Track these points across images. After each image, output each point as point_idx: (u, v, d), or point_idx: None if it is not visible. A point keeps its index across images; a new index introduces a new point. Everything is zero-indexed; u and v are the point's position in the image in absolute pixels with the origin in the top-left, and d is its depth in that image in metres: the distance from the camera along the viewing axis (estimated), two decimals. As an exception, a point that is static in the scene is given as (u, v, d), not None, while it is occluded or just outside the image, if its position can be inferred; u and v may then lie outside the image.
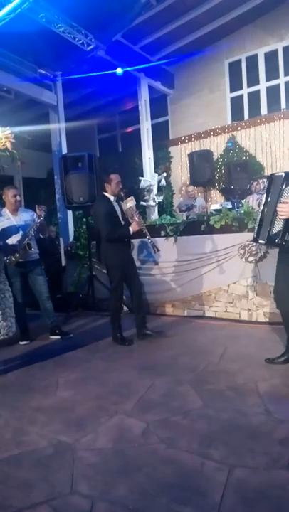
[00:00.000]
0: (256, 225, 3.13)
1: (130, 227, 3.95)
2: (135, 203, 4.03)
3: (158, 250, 4.11)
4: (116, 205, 4.06)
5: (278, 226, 2.87)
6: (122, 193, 4.04)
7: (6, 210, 4.31)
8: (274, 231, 2.90)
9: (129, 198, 4.02)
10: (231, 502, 1.68)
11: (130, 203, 4.00)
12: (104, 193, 4.08)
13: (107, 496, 1.77)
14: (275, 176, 3.00)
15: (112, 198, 4.04)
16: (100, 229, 4.10)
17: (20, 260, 4.16)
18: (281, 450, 2.01)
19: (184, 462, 1.98)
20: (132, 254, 4.30)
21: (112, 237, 3.98)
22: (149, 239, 4.06)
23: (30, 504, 1.76)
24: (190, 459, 2.01)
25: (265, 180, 3.23)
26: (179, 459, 2.01)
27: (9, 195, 4.28)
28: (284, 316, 3.16)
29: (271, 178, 3.04)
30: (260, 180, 6.32)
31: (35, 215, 4.33)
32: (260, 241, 3.09)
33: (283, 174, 2.92)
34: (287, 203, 2.78)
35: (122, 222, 4.04)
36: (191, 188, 7.25)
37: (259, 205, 3.18)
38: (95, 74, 7.32)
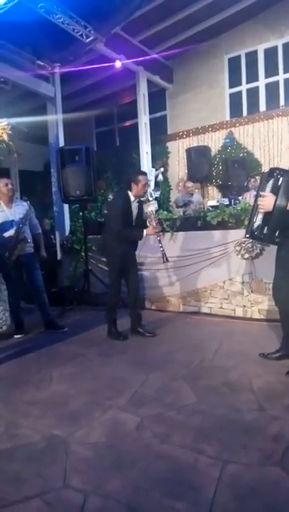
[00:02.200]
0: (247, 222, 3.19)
1: (145, 231, 3.91)
2: (156, 208, 4.01)
3: (167, 260, 4.06)
4: (134, 205, 4.01)
5: (258, 220, 2.94)
6: (147, 196, 4.01)
7: (0, 203, 4.26)
8: (255, 225, 2.96)
9: (151, 202, 4.03)
10: (224, 498, 1.68)
11: (152, 206, 4.02)
12: (128, 191, 3.99)
13: (99, 491, 1.77)
14: (264, 173, 3.11)
15: (132, 199, 3.98)
16: (111, 222, 4.05)
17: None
18: (274, 446, 2.02)
19: (177, 457, 1.98)
20: (135, 249, 4.22)
21: (122, 235, 3.94)
22: (161, 247, 3.99)
23: (22, 498, 1.75)
24: (183, 454, 2.01)
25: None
26: (173, 454, 2.01)
27: (1, 185, 4.21)
28: (282, 313, 3.17)
29: (261, 176, 3.16)
30: (258, 177, 6.32)
31: (27, 206, 4.29)
32: (246, 236, 3.15)
33: (268, 170, 3.01)
34: (265, 196, 2.84)
35: (134, 224, 4.01)
36: (190, 184, 7.23)
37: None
38: (93, 66, 7.27)
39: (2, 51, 5.71)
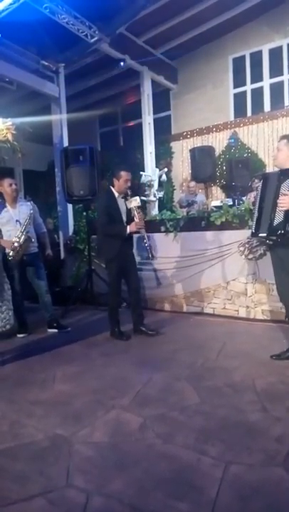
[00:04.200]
0: (254, 221, 3.24)
1: (128, 227, 3.90)
2: (139, 204, 3.97)
3: (153, 257, 4.05)
4: (120, 201, 4.00)
5: (279, 217, 2.98)
6: (128, 192, 3.98)
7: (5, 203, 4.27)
8: (275, 222, 3.00)
9: (134, 198, 3.97)
10: (227, 498, 1.68)
11: (134, 202, 3.94)
12: (111, 187, 4.02)
13: (102, 490, 1.77)
14: (270, 174, 3.20)
15: (116, 194, 3.99)
16: (97, 220, 4.07)
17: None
18: (277, 447, 2.02)
19: (180, 458, 1.99)
20: (132, 249, 4.23)
21: (106, 232, 3.96)
22: (146, 243, 3.95)
23: (26, 496, 1.76)
24: (186, 454, 2.01)
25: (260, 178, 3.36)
26: (175, 455, 2.01)
27: (5, 185, 4.21)
28: (288, 310, 3.21)
29: (266, 177, 3.22)
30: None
31: (31, 206, 4.30)
32: (260, 234, 3.18)
33: (278, 171, 3.09)
34: (286, 194, 2.91)
35: (124, 220, 4.00)
36: (192, 183, 7.24)
37: (254, 204, 3.34)
38: (97, 66, 7.28)
39: (7, 51, 5.73)
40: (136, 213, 3.92)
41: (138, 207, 3.93)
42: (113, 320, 4.12)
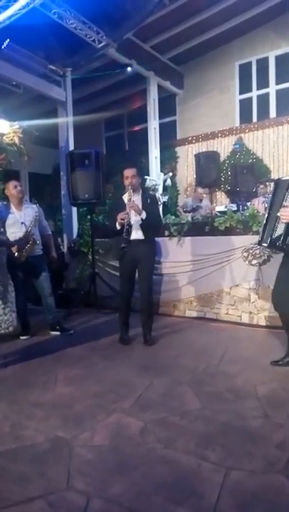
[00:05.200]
0: (261, 229, 3.20)
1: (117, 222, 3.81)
2: (130, 196, 3.85)
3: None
4: (134, 199, 3.90)
5: (280, 230, 2.93)
6: (129, 187, 3.90)
7: (10, 205, 4.29)
8: (276, 234, 2.96)
9: (126, 194, 3.92)
10: (227, 504, 1.68)
11: (127, 196, 3.87)
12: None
13: (102, 493, 1.77)
14: (281, 181, 3.08)
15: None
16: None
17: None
18: (278, 454, 2.01)
19: (180, 463, 1.98)
20: (147, 253, 3.94)
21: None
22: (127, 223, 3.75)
23: (26, 498, 1.76)
24: (187, 459, 2.00)
25: (270, 183, 3.30)
26: (176, 459, 2.01)
27: (10, 187, 4.24)
28: (283, 318, 3.19)
29: (277, 183, 3.12)
30: (267, 183, 6.32)
31: (37, 209, 4.32)
32: (263, 244, 3.15)
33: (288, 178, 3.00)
34: (288, 206, 2.83)
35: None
36: (201, 189, 7.26)
37: (265, 209, 3.27)
38: (104, 71, 7.34)
39: (16, 55, 5.79)
40: (129, 206, 3.79)
41: (128, 199, 3.81)
42: (118, 322, 4.13)
